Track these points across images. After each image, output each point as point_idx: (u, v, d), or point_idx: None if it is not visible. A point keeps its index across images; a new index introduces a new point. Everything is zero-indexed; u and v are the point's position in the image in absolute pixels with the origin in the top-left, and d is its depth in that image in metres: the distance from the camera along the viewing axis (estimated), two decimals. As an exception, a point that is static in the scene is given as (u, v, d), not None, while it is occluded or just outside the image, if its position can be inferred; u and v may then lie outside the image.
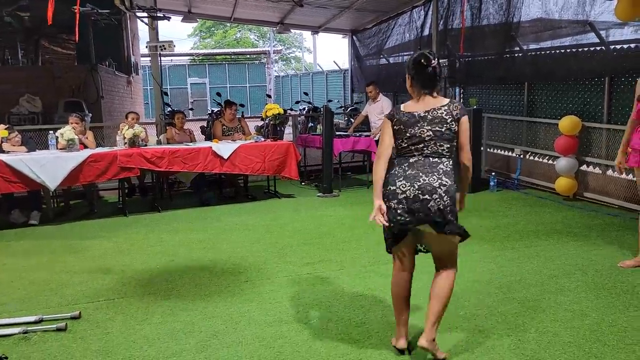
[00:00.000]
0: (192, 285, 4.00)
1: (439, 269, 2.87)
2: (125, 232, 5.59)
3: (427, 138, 2.73)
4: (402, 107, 2.83)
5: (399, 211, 2.72)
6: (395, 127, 2.78)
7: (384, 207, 2.74)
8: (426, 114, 2.75)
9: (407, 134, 2.75)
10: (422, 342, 2.74)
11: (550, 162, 7.08)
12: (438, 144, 2.73)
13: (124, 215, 6.34)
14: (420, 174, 2.71)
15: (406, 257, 2.88)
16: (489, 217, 5.84)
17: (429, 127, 2.73)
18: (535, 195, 6.90)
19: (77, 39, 6.43)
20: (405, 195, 2.70)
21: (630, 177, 5.75)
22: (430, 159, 2.74)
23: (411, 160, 2.75)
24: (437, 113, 2.75)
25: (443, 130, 2.72)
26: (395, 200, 2.73)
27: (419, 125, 2.74)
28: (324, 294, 3.75)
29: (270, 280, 4.06)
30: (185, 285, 4.00)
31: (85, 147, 6.46)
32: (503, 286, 3.81)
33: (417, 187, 2.70)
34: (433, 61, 2.74)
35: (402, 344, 2.90)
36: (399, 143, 2.79)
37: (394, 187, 2.74)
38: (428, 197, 2.68)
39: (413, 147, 2.75)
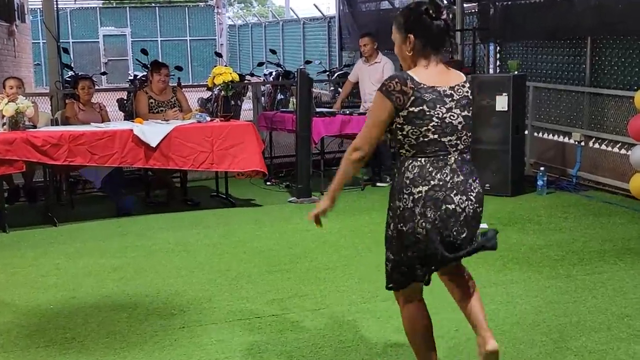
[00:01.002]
0: (102, 334, 3.96)
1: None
2: (3, 256, 5.52)
3: (459, 127, 2.81)
4: (416, 77, 2.78)
5: (461, 237, 2.80)
6: (412, 108, 2.74)
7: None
8: (452, 91, 2.82)
9: (434, 120, 2.75)
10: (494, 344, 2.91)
11: (622, 151, 7.18)
12: (468, 135, 2.86)
13: (2, 230, 6.27)
14: (469, 180, 2.83)
15: (419, 288, 3.00)
16: (536, 232, 5.90)
17: (459, 112, 2.82)
18: (602, 200, 6.99)
19: None
20: (465, 214, 2.80)
21: None
22: (466, 156, 2.85)
23: (449, 160, 2.80)
24: (463, 91, 2.85)
25: (470, 116, 2.86)
26: (458, 224, 2.79)
27: (446, 106, 2.79)
28: (296, 344, 3.75)
29: (218, 325, 4.05)
30: (91, 333, 3.96)
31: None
32: (554, 331, 3.85)
33: (474, 199, 2.83)
34: (444, 12, 2.81)
35: None
36: (419, 134, 2.77)
37: (453, 206, 2.77)
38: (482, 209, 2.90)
39: (446, 141, 2.79)
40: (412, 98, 2.74)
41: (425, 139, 2.77)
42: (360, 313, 4.17)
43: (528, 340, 3.75)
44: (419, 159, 2.79)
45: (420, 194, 2.76)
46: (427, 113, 2.75)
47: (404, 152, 2.84)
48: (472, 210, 2.81)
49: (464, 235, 2.81)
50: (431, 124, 2.76)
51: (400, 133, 2.80)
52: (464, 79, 2.90)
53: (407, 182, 2.79)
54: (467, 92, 2.87)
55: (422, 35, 2.81)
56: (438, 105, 2.76)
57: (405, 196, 2.79)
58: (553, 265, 4.99)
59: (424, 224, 2.76)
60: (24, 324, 4.14)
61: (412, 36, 2.82)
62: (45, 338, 3.92)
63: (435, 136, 2.77)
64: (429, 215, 2.76)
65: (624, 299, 4.31)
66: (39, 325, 4.12)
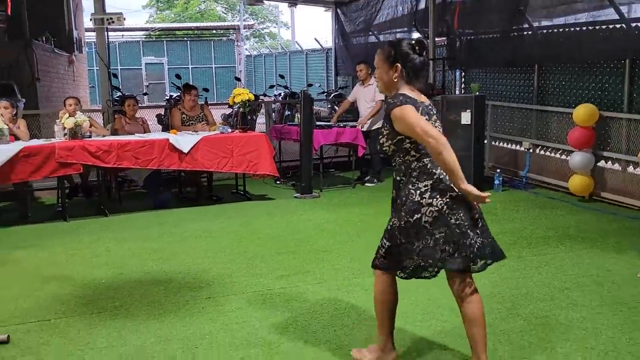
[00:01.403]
0: (144, 302, 3.97)
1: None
2: (64, 241, 5.53)
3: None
4: (413, 95, 2.79)
5: (476, 216, 2.83)
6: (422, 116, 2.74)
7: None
8: (431, 107, 2.85)
9: (436, 125, 2.82)
10: None
11: (563, 157, 7.19)
12: None
13: (64, 220, 6.27)
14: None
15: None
16: (492, 222, 5.89)
17: (438, 124, 2.84)
18: (546, 196, 7.00)
19: (8, 10, 6.32)
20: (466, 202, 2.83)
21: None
22: None
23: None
24: (435, 109, 2.88)
25: None
26: (464, 206, 2.77)
27: (433, 118, 2.83)
28: (300, 311, 3.76)
29: (237, 296, 4.06)
30: (135, 303, 3.97)
31: (17, 138, 6.37)
32: (506, 301, 3.86)
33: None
34: (427, 49, 2.80)
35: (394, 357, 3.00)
36: (415, 143, 2.78)
37: (455, 193, 2.77)
38: None
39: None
40: (420, 108, 2.77)
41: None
42: (352, 286, 4.18)
43: (487, 308, 3.71)
44: (421, 160, 2.79)
45: (426, 187, 2.76)
46: (429, 120, 2.77)
47: (409, 158, 2.79)
48: None
49: (477, 214, 2.83)
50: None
51: (408, 140, 2.77)
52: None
53: (414, 180, 2.78)
54: (435, 110, 2.89)
55: (408, 66, 2.81)
56: (432, 116, 2.82)
57: (412, 190, 2.77)
58: (507, 248, 4.93)
59: (430, 212, 2.75)
60: (80, 295, 4.15)
61: (399, 65, 2.81)
62: (98, 306, 3.93)
63: None
64: (436, 204, 2.74)
65: (564, 275, 4.32)
66: (92, 296, 4.13)
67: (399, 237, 2.82)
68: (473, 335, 2.85)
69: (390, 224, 2.89)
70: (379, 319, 3.02)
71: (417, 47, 2.80)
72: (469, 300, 2.85)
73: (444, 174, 2.77)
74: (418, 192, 2.77)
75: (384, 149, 2.89)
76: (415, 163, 2.81)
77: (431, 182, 2.77)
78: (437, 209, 2.74)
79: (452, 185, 2.77)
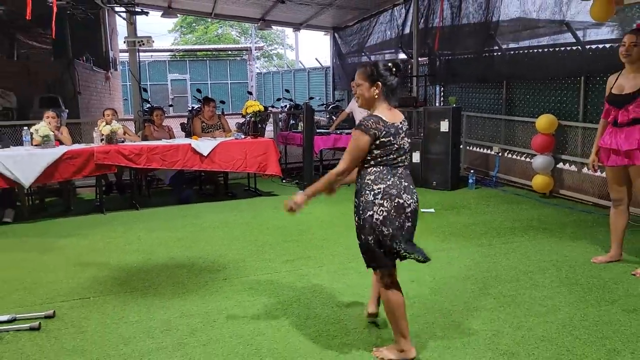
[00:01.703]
0: (170, 283, 3.98)
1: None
2: (102, 230, 5.53)
3: (407, 149, 2.76)
4: (383, 117, 2.71)
5: (407, 225, 2.70)
6: (383, 139, 2.66)
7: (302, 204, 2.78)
8: (402, 124, 2.76)
9: (395, 146, 2.69)
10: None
11: (527, 159, 7.19)
12: (408, 156, 2.81)
13: (101, 213, 6.27)
14: (411, 186, 2.75)
15: (395, 269, 2.85)
16: (467, 214, 5.91)
17: (407, 139, 2.77)
18: (513, 193, 7.00)
19: (53, 34, 6.32)
20: (411, 209, 2.71)
21: (604, 174, 5.87)
22: (408, 170, 2.79)
23: (400, 171, 2.72)
24: (405, 125, 2.78)
25: (409, 142, 2.80)
26: (404, 216, 2.68)
27: (401, 136, 2.72)
28: (302, 291, 3.77)
29: (249, 277, 4.06)
30: (162, 283, 3.98)
31: (61, 143, 6.37)
32: (479, 282, 3.86)
33: (416, 199, 2.76)
34: (400, 71, 2.74)
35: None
36: (385, 155, 2.69)
37: (401, 201, 2.67)
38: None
39: (399, 159, 2.72)
40: (384, 131, 2.67)
41: (390, 157, 2.70)
42: (347, 270, 4.18)
43: (462, 288, 3.76)
44: (384, 168, 2.71)
45: (383, 190, 2.68)
46: (392, 141, 2.69)
47: (367, 165, 2.74)
48: (414, 208, 2.75)
49: (410, 226, 2.73)
50: (394, 149, 2.69)
51: (369, 155, 2.71)
52: (403, 117, 2.80)
53: (369, 182, 2.71)
54: (407, 126, 2.79)
55: (386, 85, 2.74)
56: (397, 135, 2.71)
57: (367, 192, 2.71)
58: (479, 237, 5.00)
59: (387, 214, 2.67)
60: (116, 276, 4.16)
61: (380, 84, 2.74)
62: (131, 286, 3.94)
63: (396, 156, 2.71)
64: (386, 206, 2.67)
65: (528, 260, 4.32)
66: (126, 277, 4.13)
67: (363, 237, 2.78)
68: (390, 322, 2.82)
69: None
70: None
71: (393, 69, 2.74)
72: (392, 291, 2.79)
73: (397, 183, 2.70)
74: (372, 193, 2.70)
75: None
76: (365, 168, 2.75)
77: (384, 186, 2.69)
78: (386, 210, 2.68)
79: (402, 192, 2.70)
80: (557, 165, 6.67)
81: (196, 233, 5.37)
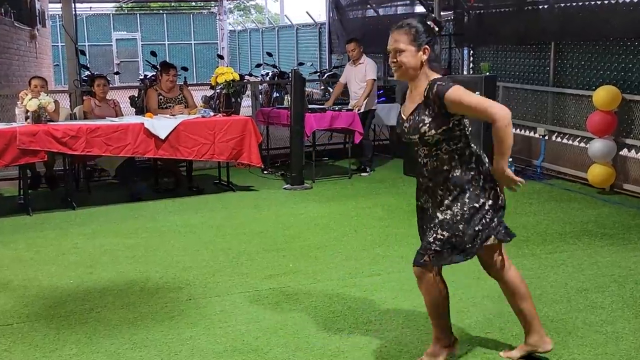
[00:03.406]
0: (118, 305, 3.98)
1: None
2: (27, 236, 5.52)
3: None
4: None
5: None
6: None
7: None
8: None
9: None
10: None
11: (582, 145, 7.23)
12: None
13: (27, 213, 6.26)
14: None
15: None
16: (504, 216, 5.93)
17: None
18: (563, 188, 7.04)
19: None
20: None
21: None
22: None
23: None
24: None
25: None
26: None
27: None
28: (290, 315, 3.78)
29: (221, 297, 4.07)
30: (107, 305, 3.98)
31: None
32: (519, 303, 3.89)
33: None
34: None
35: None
36: (468, 125, 2.96)
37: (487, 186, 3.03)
38: None
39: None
40: None
41: (469, 129, 2.96)
42: (348, 287, 4.19)
43: (496, 311, 3.79)
44: (472, 146, 2.96)
45: (488, 173, 3.00)
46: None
47: (461, 145, 2.91)
48: None
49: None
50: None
51: (458, 127, 2.90)
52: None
53: (486, 166, 3.00)
54: None
55: (433, 48, 2.89)
56: None
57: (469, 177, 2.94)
58: (519, 245, 5.03)
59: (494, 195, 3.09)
60: (47, 296, 4.15)
61: (428, 47, 2.86)
62: (66, 309, 3.93)
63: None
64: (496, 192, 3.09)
65: (581, 275, 4.35)
66: (60, 297, 4.13)
67: (461, 226, 2.96)
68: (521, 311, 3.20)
69: (448, 215, 2.96)
70: (437, 319, 3.12)
71: (436, 29, 2.88)
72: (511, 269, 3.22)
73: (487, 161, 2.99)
74: (481, 177, 2.95)
75: (426, 138, 2.89)
76: (468, 150, 2.93)
77: (485, 167, 2.97)
78: (495, 193, 3.03)
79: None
80: (620, 152, 6.72)
81: (151, 240, 5.36)
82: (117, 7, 27.32)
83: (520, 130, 8.27)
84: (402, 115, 3.03)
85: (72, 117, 7.31)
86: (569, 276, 4.34)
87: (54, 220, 6.03)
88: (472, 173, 2.94)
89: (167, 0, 28.14)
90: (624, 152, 6.74)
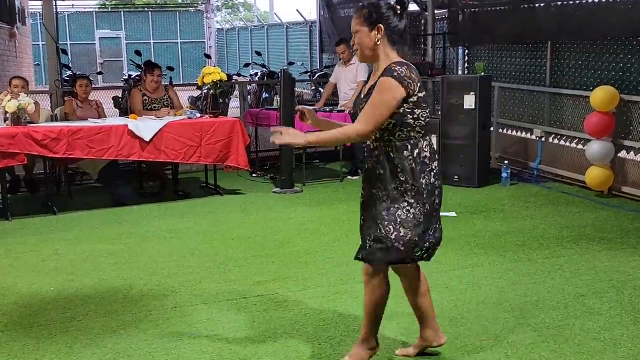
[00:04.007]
0: (100, 313, 3.97)
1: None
2: (6, 242, 5.50)
3: None
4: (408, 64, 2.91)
5: (437, 211, 3.00)
6: (419, 94, 2.87)
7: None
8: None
9: (427, 107, 2.92)
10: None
11: (579, 147, 7.27)
12: None
13: (5, 219, 6.23)
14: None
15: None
16: (499, 220, 5.97)
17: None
18: (560, 191, 7.07)
19: None
20: (439, 190, 2.99)
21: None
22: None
23: (427, 143, 2.95)
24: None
25: None
26: (438, 200, 2.98)
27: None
28: (279, 323, 3.78)
29: (208, 305, 4.07)
30: (89, 314, 3.97)
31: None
32: (515, 309, 3.91)
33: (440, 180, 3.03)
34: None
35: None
36: (419, 120, 2.89)
37: (437, 182, 2.96)
38: None
39: (427, 127, 2.94)
40: (419, 84, 2.86)
41: (422, 124, 2.91)
42: (339, 294, 4.20)
43: (492, 317, 3.81)
44: (427, 138, 2.95)
45: (437, 169, 2.96)
46: (424, 99, 2.91)
47: (414, 134, 2.90)
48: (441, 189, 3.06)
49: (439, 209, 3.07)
50: (426, 111, 2.92)
51: (411, 117, 2.87)
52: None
53: (427, 160, 2.92)
54: None
55: (390, 28, 2.90)
56: (425, 102, 2.94)
57: (427, 173, 2.90)
58: (515, 250, 5.06)
59: (439, 196, 2.99)
60: (26, 304, 4.14)
61: (382, 27, 2.88)
62: (47, 318, 3.92)
63: (426, 122, 2.94)
64: (419, 190, 2.91)
65: (579, 280, 4.38)
66: (40, 306, 4.11)
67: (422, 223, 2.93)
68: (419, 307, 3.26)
69: (405, 211, 2.92)
70: (376, 322, 3.14)
71: (397, 7, 2.91)
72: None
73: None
74: (432, 173, 2.93)
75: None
76: (423, 142, 2.92)
77: (435, 163, 2.96)
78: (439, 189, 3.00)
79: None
80: (619, 155, 6.77)
81: (135, 246, 5.36)
82: (101, 5, 27.30)
83: (517, 132, 8.32)
84: (361, 95, 3.10)
85: (54, 118, 7.28)
86: (567, 282, 4.36)
87: (34, 226, 6.01)
88: (426, 169, 2.94)
89: (153, -2, 28.22)
90: (623, 154, 6.79)
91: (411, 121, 2.86)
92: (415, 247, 2.92)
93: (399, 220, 2.88)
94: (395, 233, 2.88)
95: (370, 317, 3.11)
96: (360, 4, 2.96)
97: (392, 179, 2.89)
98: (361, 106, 2.99)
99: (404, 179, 2.88)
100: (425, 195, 2.89)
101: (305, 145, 3.01)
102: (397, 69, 2.82)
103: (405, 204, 2.89)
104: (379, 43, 2.90)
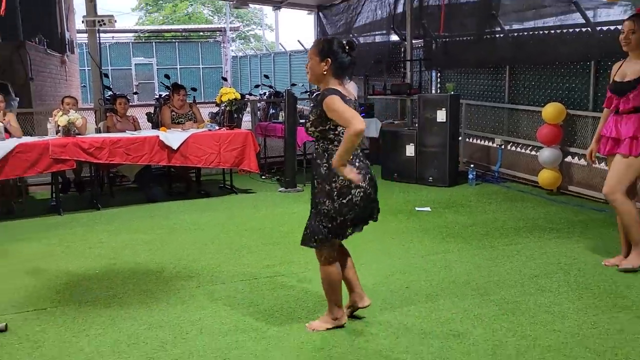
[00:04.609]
0: (136, 291, 3.97)
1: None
2: (59, 233, 5.49)
3: None
4: (340, 90, 3.01)
5: (369, 191, 3.05)
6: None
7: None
8: (355, 100, 3.10)
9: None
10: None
11: (532, 153, 7.28)
12: None
13: (58, 213, 6.22)
14: (367, 162, 3.15)
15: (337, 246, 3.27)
16: (466, 213, 5.97)
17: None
18: (517, 189, 7.09)
19: (2, 11, 6.20)
20: (370, 175, 3.07)
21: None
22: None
23: (358, 150, 3.10)
24: (357, 103, 3.16)
25: None
26: (367, 181, 3.04)
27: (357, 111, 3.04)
28: (285, 299, 3.79)
29: (225, 284, 4.07)
30: (128, 292, 3.97)
31: (10, 135, 6.30)
32: (480, 287, 3.92)
33: (370, 170, 3.12)
34: (355, 50, 3.03)
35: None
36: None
37: (364, 165, 3.05)
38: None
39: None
40: (346, 100, 2.98)
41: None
42: (334, 275, 4.21)
43: (461, 294, 3.82)
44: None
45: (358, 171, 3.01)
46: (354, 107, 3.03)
47: (332, 146, 3.02)
48: (371, 176, 3.12)
49: (373, 190, 3.12)
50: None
51: (333, 133, 3.02)
52: (355, 96, 3.16)
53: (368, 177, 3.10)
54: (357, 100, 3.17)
55: (337, 62, 3.00)
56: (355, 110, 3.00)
57: (341, 178, 2.97)
58: (480, 239, 5.07)
59: (360, 193, 3.02)
60: (75, 284, 4.14)
61: (329, 60, 3.00)
62: (92, 295, 3.93)
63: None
64: (363, 186, 3.02)
65: (533, 263, 4.39)
66: (87, 285, 4.12)
67: (337, 217, 3.05)
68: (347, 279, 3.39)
69: (323, 208, 3.08)
70: (337, 296, 3.25)
71: (347, 47, 3.02)
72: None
73: (358, 159, 3.05)
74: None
75: (309, 132, 3.11)
76: (336, 147, 3.00)
77: (354, 167, 2.99)
78: (364, 189, 3.04)
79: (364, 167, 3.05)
80: (566, 159, 6.78)
81: (165, 235, 5.36)
82: (136, 37, 27.28)
83: (481, 141, 8.33)
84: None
85: (97, 130, 7.28)
86: (522, 264, 4.37)
87: (81, 220, 6.01)
88: (333, 176, 3.02)
89: (179, 31, 28.16)
90: (569, 159, 6.80)
91: (332, 136, 3.04)
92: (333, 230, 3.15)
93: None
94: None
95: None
96: (320, 37, 3.07)
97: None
98: (308, 123, 3.09)
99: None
100: (337, 196, 3.07)
101: (343, 169, 2.91)
102: (327, 91, 2.97)
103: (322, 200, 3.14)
104: (324, 73, 3.02)
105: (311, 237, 3.17)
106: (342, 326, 3.30)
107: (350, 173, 2.90)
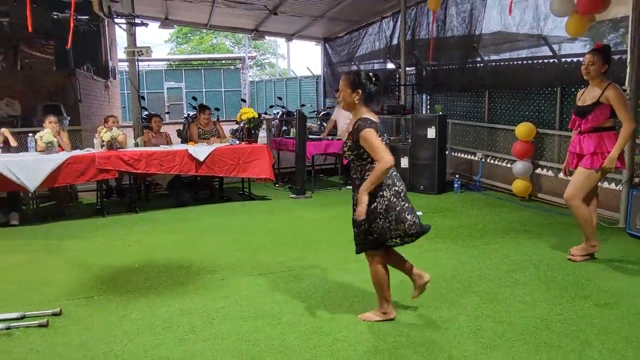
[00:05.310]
0: (170, 283, 4.01)
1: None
2: (103, 233, 5.55)
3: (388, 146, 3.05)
4: (372, 117, 3.03)
5: (406, 206, 3.04)
6: (379, 136, 2.99)
7: None
8: (381, 125, 3.08)
9: (384, 142, 3.00)
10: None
11: (508, 165, 7.30)
12: None
13: (102, 216, 6.28)
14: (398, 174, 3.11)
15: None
16: (453, 217, 6.00)
17: (385, 136, 3.06)
18: (495, 197, 7.10)
19: (69, 44, 6.22)
20: (404, 192, 3.04)
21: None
22: None
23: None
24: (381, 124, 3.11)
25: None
26: (401, 199, 3.01)
27: (385, 134, 3.05)
28: (297, 290, 3.81)
29: (246, 278, 4.10)
30: (163, 283, 4.01)
31: (63, 149, 6.38)
32: (464, 280, 3.94)
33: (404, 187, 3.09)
34: (380, 80, 3.04)
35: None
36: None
37: (400, 188, 3.02)
38: None
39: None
40: (378, 130, 2.99)
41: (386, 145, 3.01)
42: (340, 270, 4.23)
43: (448, 287, 3.84)
44: (374, 164, 3.00)
45: (388, 179, 3.00)
46: (381, 137, 3.00)
47: (369, 165, 3.01)
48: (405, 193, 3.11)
49: (407, 204, 3.09)
50: (385, 143, 3.00)
51: (367, 153, 3.00)
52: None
53: (389, 181, 3.02)
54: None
55: (365, 92, 3.02)
56: (382, 133, 3.01)
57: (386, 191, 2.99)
58: (464, 239, 5.08)
59: (383, 201, 3.00)
60: (118, 276, 4.19)
61: (360, 91, 3.02)
62: (132, 286, 3.97)
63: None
64: (386, 196, 3.00)
65: (509, 260, 4.41)
66: (128, 277, 4.17)
67: (363, 223, 3.03)
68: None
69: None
70: (382, 289, 3.18)
71: (373, 79, 3.03)
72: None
73: (390, 174, 3.00)
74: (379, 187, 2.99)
75: (346, 155, 3.13)
76: (369, 165, 3.02)
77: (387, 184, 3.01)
78: (387, 199, 2.99)
79: (394, 180, 3.02)
80: (536, 171, 6.79)
81: (193, 235, 5.39)
82: (168, 64, 27.48)
83: (464, 155, 8.35)
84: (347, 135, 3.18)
85: (136, 145, 7.34)
86: (500, 261, 4.39)
87: (122, 221, 6.06)
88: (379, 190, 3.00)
89: (204, 59, 28.32)
90: (538, 170, 6.81)
91: (366, 155, 3.03)
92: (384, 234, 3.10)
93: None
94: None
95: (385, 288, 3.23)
96: (349, 70, 3.09)
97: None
98: (346, 147, 3.10)
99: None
100: (385, 208, 3.04)
101: (365, 197, 2.95)
102: (364, 122, 2.97)
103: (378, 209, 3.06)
104: (356, 102, 3.03)
105: (358, 244, 3.16)
106: (391, 319, 3.23)
107: (363, 204, 2.93)
